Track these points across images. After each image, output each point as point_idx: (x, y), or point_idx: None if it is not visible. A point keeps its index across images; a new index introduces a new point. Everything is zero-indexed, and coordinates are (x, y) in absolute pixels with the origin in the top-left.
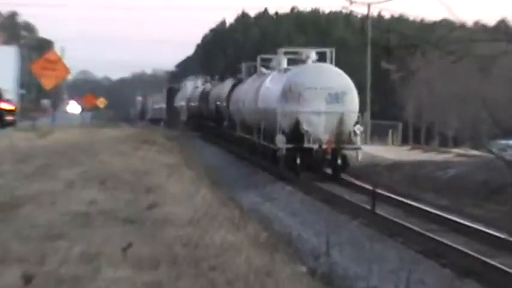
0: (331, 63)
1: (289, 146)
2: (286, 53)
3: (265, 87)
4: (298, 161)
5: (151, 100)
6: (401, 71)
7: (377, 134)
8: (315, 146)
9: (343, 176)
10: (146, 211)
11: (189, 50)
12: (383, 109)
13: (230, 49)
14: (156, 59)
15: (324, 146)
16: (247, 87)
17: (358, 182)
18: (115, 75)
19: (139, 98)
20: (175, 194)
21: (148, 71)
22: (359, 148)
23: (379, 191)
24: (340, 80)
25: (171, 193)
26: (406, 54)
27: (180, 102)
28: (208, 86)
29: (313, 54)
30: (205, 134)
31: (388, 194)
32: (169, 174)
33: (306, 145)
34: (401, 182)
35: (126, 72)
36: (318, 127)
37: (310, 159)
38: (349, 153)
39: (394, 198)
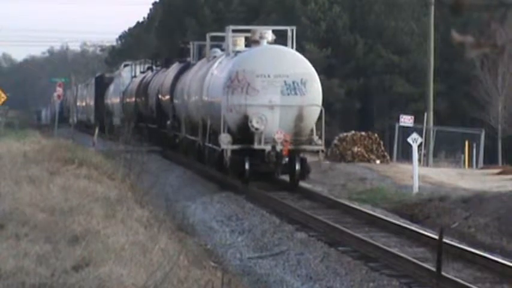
0: (292, 44)
1: (236, 147)
2: (236, 31)
3: (211, 75)
4: (247, 165)
5: (74, 94)
6: (483, 46)
7: (445, 148)
8: (268, 148)
9: (393, 218)
10: (70, 274)
11: (141, 13)
12: (454, 108)
13: (207, 11)
14: (87, 28)
15: (279, 148)
16: (193, 74)
17: (414, 227)
18: (20, 54)
19: (59, 90)
20: (118, 246)
21: (75, 46)
22: (321, 150)
23: (448, 241)
24: (298, 65)
25: (111, 244)
26: (490, 19)
27: (112, 97)
28: (149, 74)
29: (269, 34)
30: (161, 146)
31: (463, 247)
32: (108, 213)
33: (256, 146)
34: (485, 227)
35: (37, 48)
36: (271, 124)
37: (262, 164)
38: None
39: (473, 253)
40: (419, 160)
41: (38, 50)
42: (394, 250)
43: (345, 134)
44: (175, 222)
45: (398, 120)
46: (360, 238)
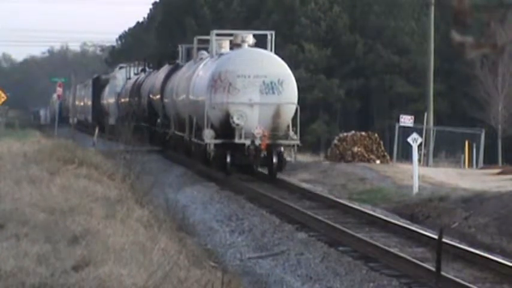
0: (271, 47)
1: (218, 141)
2: (220, 35)
3: (197, 75)
4: (228, 158)
5: (74, 94)
6: (483, 47)
7: (445, 148)
8: (247, 142)
9: (393, 218)
10: (70, 274)
11: (141, 13)
12: (454, 108)
13: (207, 11)
14: (87, 28)
15: (258, 142)
16: (181, 75)
17: (414, 227)
18: (20, 54)
19: (59, 90)
20: (118, 246)
21: (74, 46)
22: (297, 144)
23: (447, 241)
24: (276, 67)
25: (111, 244)
26: (490, 19)
27: (108, 98)
28: (142, 75)
29: (250, 38)
30: (166, 149)
31: (462, 247)
32: (108, 213)
33: (237, 141)
34: (485, 227)
35: (37, 48)
36: (251, 120)
37: (242, 157)
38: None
39: (473, 253)
40: (419, 160)
41: (38, 50)
42: (394, 250)
43: (345, 134)
44: (175, 222)
45: (398, 120)
46: (360, 238)
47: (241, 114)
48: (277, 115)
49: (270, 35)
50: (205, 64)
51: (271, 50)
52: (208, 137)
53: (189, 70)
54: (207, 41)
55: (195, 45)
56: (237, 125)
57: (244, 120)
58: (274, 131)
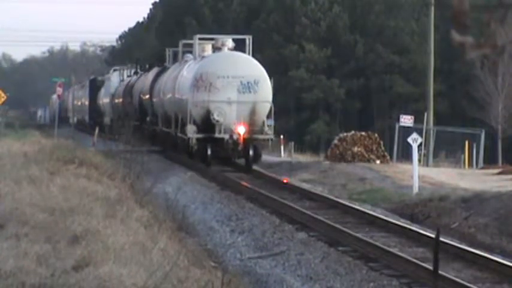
0: (249, 51)
1: (200, 136)
2: (202, 39)
3: (181, 76)
4: (209, 151)
5: (73, 94)
6: (483, 47)
7: (445, 148)
8: (226, 136)
9: (393, 218)
10: (70, 274)
11: (141, 13)
12: (454, 108)
13: (207, 11)
14: (87, 28)
15: (235, 136)
16: (168, 76)
17: (414, 227)
18: (20, 54)
19: (59, 90)
20: (118, 246)
21: (74, 46)
22: (271, 139)
23: (446, 240)
24: (252, 68)
25: (110, 244)
26: (490, 19)
27: (103, 99)
28: (134, 77)
29: (229, 42)
30: (166, 149)
31: (461, 247)
32: (108, 213)
33: (217, 135)
34: (485, 227)
35: (37, 48)
36: (229, 117)
37: (221, 150)
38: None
39: (472, 253)
40: (419, 160)
41: (38, 50)
42: (394, 250)
43: (345, 134)
44: (175, 222)
45: (398, 120)
46: (360, 238)
47: (220, 111)
48: (253, 112)
49: (248, 39)
50: (189, 66)
51: (248, 53)
52: (191, 132)
53: (174, 71)
54: (192, 45)
55: (181, 48)
56: (217, 121)
57: (224, 116)
58: (251, 127)
